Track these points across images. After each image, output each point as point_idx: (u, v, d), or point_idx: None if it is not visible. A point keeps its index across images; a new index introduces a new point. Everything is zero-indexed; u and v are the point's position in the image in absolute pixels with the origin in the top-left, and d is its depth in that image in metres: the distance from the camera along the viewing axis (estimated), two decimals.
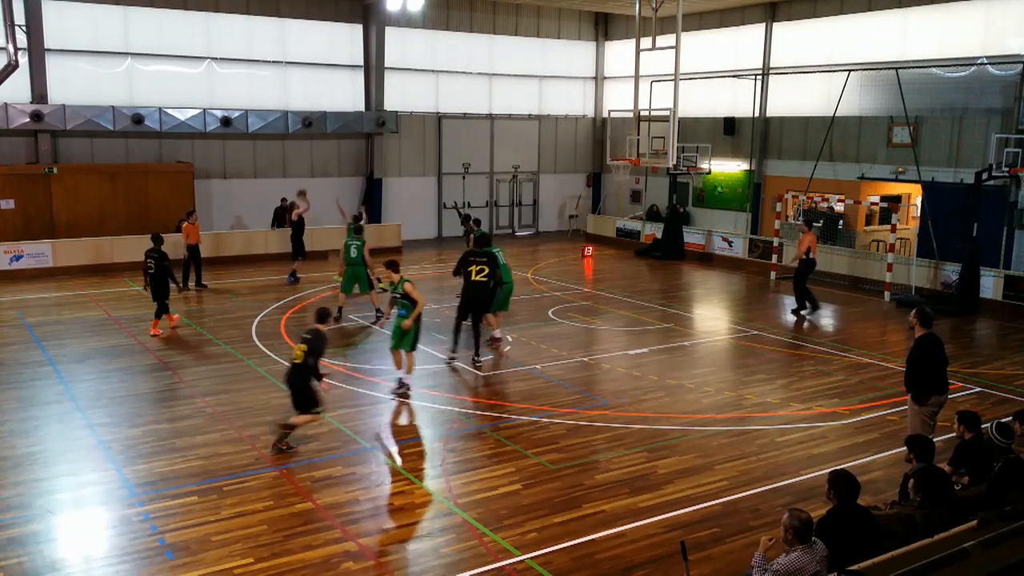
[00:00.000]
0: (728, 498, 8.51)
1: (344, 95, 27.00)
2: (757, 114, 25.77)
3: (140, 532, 7.69)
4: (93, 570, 7.08)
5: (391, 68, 27.26)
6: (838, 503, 5.88)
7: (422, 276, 21.21)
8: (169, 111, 23.58)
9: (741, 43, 26.37)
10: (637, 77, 24.38)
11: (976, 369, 13.54)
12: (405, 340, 11.54)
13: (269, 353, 13.77)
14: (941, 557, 5.26)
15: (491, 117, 29.93)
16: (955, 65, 20.70)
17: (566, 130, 31.80)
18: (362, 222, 17.65)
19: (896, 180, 21.99)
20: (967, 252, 18.02)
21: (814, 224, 17.74)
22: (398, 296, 11.53)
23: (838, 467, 6.47)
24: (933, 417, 8.74)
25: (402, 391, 11.73)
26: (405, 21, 26.87)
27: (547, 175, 31.55)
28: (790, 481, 8.99)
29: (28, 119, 21.76)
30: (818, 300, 17.62)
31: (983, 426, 7.30)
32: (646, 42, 23.72)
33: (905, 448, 7.03)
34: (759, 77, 25.73)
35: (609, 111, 28.49)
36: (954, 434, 7.53)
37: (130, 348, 14.04)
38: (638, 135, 24.92)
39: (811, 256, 17.09)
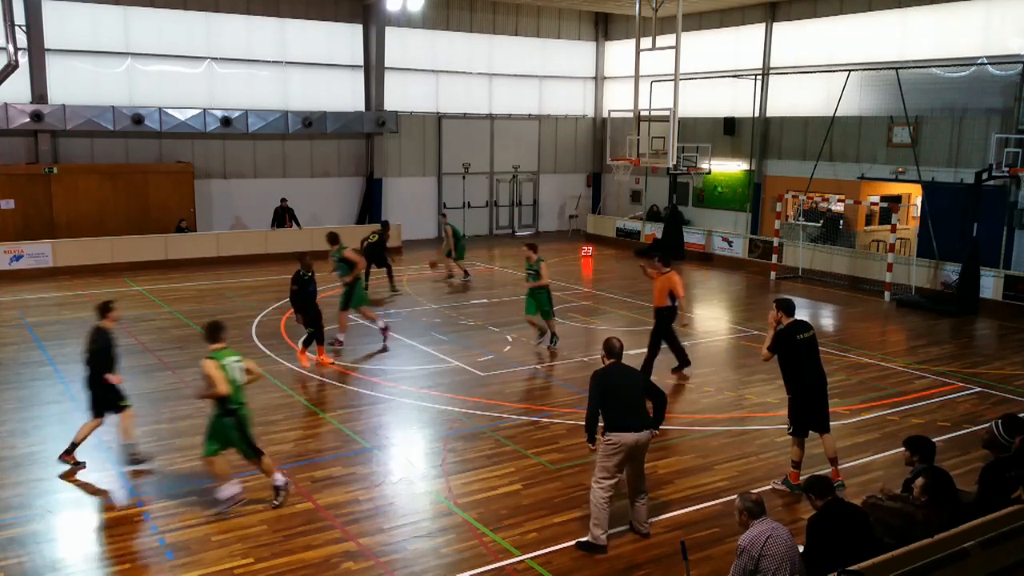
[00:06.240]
0: (728, 498, 8.47)
1: (344, 95, 27.00)
2: (757, 114, 25.77)
3: (140, 532, 7.69)
4: (93, 570, 7.08)
5: (391, 68, 27.26)
6: (821, 504, 6.03)
7: (421, 276, 21.18)
8: (169, 111, 23.58)
9: (741, 43, 26.37)
10: (637, 77, 24.37)
11: (976, 369, 13.53)
12: (531, 307, 14.02)
13: (269, 353, 13.76)
14: (941, 557, 5.25)
15: (491, 117, 29.93)
16: (955, 65, 20.69)
17: (566, 130, 31.80)
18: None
19: (896, 180, 21.98)
20: (967, 252, 18.01)
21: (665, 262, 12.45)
22: (532, 272, 13.90)
23: (811, 476, 6.52)
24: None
25: (541, 345, 14.20)
26: (405, 21, 26.88)
27: (547, 175, 31.55)
28: None
29: (28, 119, 21.76)
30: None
31: (989, 424, 7.17)
32: (646, 42, 23.72)
33: (905, 448, 7.01)
34: (759, 77, 25.73)
35: (609, 111, 28.49)
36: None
37: (130, 348, 14.01)
38: (638, 135, 24.92)
39: (675, 303, 12.31)
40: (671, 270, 12.26)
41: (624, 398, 7.41)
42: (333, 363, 13.17)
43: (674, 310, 12.33)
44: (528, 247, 14.13)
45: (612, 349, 7.69)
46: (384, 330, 14.47)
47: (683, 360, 12.81)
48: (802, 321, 8.76)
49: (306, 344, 13.05)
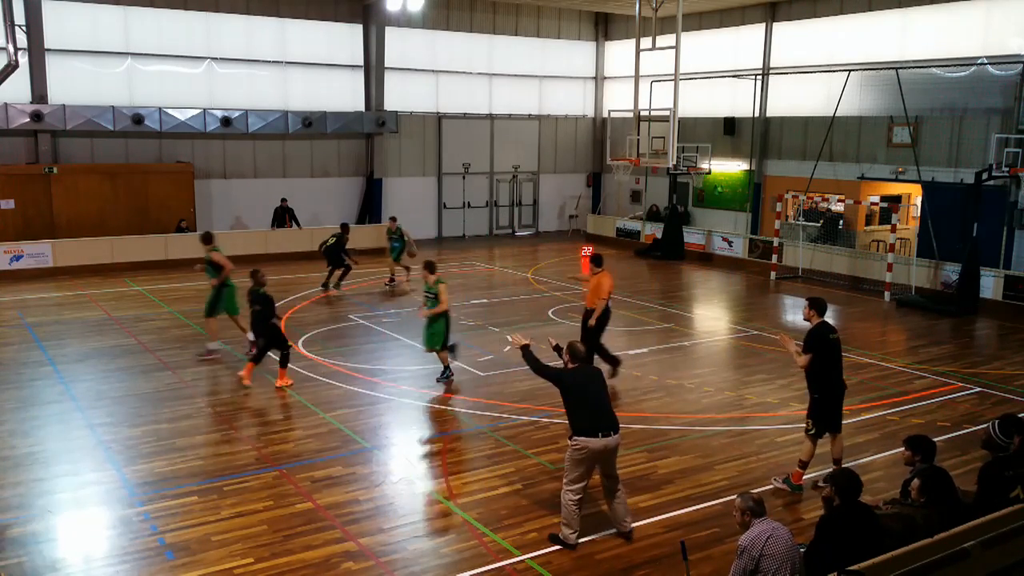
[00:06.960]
0: (728, 498, 8.47)
1: (344, 95, 27.00)
2: (757, 114, 25.77)
3: (140, 532, 7.68)
4: (93, 570, 7.07)
5: (391, 68, 27.26)
6: (840, 502, 5.92)
7: (419, 276, 21.16)
8: (169, 111, 23.58)
9: (741, 43, 26.37)
10: (637, 77, 24.38)
11: (976, 369, 13.52)
12: (433, 340, 12.03)
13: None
14: (941, 557, 5.25)
15: (491, 117, 29.93)
16: (955, 65, 20.69)
17: (566, 130, 31.80)
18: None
19: (896, 180, 21.98)
20: (967, 252, 18.02)
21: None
22: (431, 296, 12.08)
23: (842, 467, 6.47)
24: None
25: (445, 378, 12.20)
26: (405, 21, 26.88)
27: (547, 175, 31.54)
28: None
29: (28, 119, 21.75)
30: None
31: (987, 424, 7.19)
32: (646, 42, 23.73)
33: (905, 448, 7.00)
34: (759, 77, 25.73)
35: (609, 111, 28.50)
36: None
37: (130, 348, 14.04)
38: (638, 135, 24.93)
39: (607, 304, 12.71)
40: (603, 271, 12.54)
41: (592, 402, 7.33)
42: (292, 385, 12.14)
43: (606, 311, 12.50)
44: (425, 266, 12.38)
45: (577, 353, 7.64)
46: (211, 353, 13.47)
47: (605, 357, 12.40)
48: (828, 323, 8.76)
49: (283, 365, 12.13)
